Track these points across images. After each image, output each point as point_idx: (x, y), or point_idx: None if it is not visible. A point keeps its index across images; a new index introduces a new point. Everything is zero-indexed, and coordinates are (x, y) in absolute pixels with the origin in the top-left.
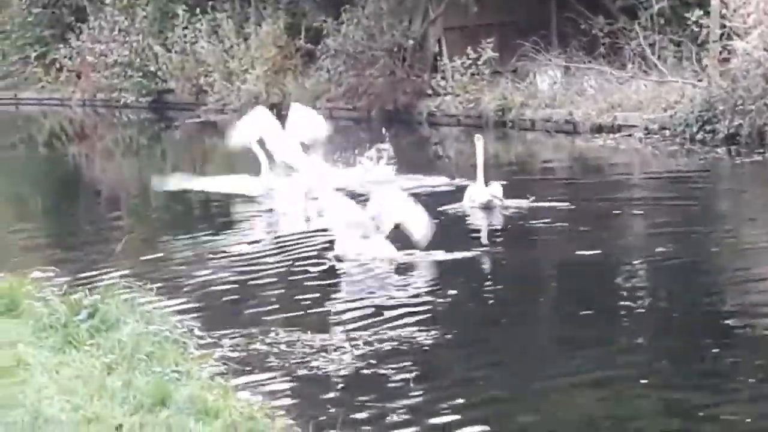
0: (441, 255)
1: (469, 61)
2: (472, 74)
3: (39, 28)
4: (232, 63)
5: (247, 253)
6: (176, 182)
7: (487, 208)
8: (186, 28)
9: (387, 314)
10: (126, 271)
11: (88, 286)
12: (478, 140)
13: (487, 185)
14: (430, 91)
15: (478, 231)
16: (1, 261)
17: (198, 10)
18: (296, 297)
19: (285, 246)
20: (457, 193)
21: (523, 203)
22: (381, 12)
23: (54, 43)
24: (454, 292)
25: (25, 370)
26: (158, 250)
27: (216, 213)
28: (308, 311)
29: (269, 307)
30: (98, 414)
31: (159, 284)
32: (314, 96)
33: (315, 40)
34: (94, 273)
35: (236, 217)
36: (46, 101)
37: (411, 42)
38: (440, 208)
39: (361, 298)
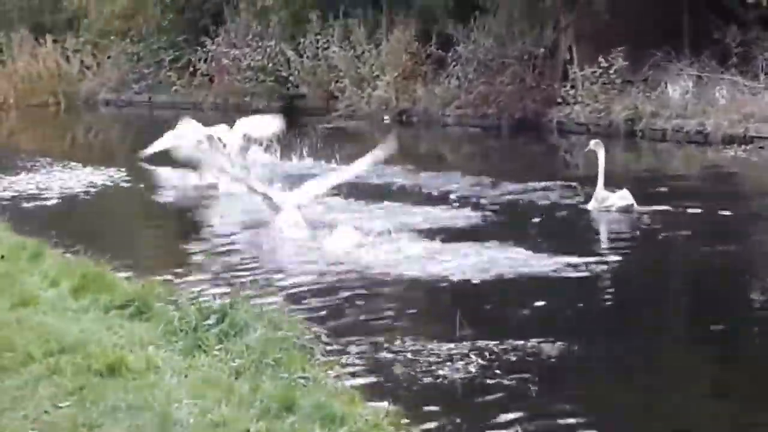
0: (570, 259)
1: (600, 70)
2: (603, 83)
3: (173, 32)
4: (363, 69)
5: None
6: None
7: (625, 212)
8: (318, 33)
9: (513, 323)
10: (251, 276)
11: (218, 290)
12: (597, 145)
13: (613, 191)
14: (559, 100)
15: (608, 236)
16: (134, 261)
17: (330, 16)
18: (421, 304)
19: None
20: (575, 197)
21: (652, 210)
22: (512, 19)
23: (188, 47)
24: (583, 300)
25: (155, 372)
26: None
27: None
28: (434, 318)
29: (394, 314)
30: (226, 418)
31: (286, 289)
32: (443, 103)
33: (445, 46)
34: (223, 276)
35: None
36: (180, 105)
37: (542, 50)
38: (562, 212)
39: (488, 307)
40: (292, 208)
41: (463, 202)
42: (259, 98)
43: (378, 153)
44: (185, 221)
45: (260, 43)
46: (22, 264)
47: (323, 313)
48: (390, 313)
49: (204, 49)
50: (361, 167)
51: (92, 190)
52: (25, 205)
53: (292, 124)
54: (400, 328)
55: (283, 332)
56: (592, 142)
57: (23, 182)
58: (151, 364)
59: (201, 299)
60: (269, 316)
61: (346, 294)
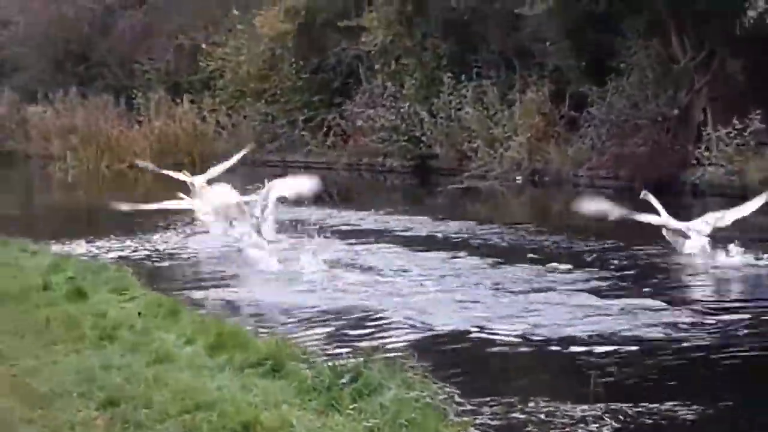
0: (702, 318)
1: (735, 132)
2: (738, 145)
3: (308, 93)
4: (495, 129)
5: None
6: None
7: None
8: (452, 94)
9: (649, 385)
10: (389, 339)
11: (351, 348)
12: (646, 195)
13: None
14: (693, 162)
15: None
16: (267, 319)
17: (463, 77)
18: (553, 364)
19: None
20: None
21: None
22: (646, 81)
23: (322, 107)
24: (718, 359)
25: (289, 431)
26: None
27: None
28: (566, 379)
29: (529, 374)
30: None
31: (418, 349)
32: (576, 164)
33: (578, 107)
34: (356, 333)
35: None
36: (313, 164)
37: (675, 111)
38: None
39: (620, 368)
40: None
41: (598, 262)
42: (392, 158)
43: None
44: (308, 279)
45: (394, 104)
46: (159, 321)
47: (456, 371)
48: (523, 372)
49: (338, 110)
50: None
51: (226, 249)
52: (162, 263)
53: (424, 184)
54: (533, 388)
55: (416, 392)
56: (643, 193)
57: (160, 241)
58: (286, 422)
59: (334, 357)
60: (402, 376)
61: (479, 353)
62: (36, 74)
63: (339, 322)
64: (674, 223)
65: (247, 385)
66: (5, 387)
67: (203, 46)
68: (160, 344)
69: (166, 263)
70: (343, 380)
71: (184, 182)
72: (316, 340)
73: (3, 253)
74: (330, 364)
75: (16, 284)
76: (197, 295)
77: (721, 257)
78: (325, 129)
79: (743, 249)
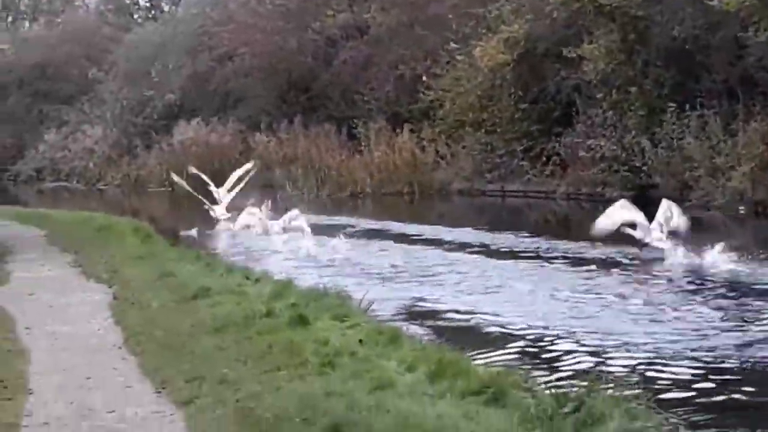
0: None
1: None
2: None
3: (527, 122)
4: (718, 159)
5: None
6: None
7: None
8: (674, 124)
9: None
10: (606, 360)
11: (573, 378)
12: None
13: None
14: None
15: None
16: (488, 348)
17: (687, 107)
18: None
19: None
20: None
21: None
22: None
23: (541, 137)
24: None
25: None
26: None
27: None
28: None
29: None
30: None
31: (642, 372)
32: None
33: None
34: (582, 362)
35: None
36: (531, 194)
37: None
38: None
39: None
40: None
41: None
42: (611, 188)
43: None
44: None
45: (614, 133)
46: (380, 349)
47: (673, 398)
48: (752, 407)
49: (557, 139)
50: None
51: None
52: (380, 287)
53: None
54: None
55: (640, 423)
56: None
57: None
58: None
59: (552, 385)
60: (626, 406)
61: (703, 378)
62: (260, 105)
63: (555, 348)
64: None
65: (468, 413)
66: (231, 412)
67: (423, 77)
68: (381, 371)
69: (385, 287)
70: (566, 409)
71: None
72: (533, 366)
73: (227, 281)
74: (552, 392)
75: (240, 311)
76: (415, 319)
77: None
78: (544, 158)
79: None
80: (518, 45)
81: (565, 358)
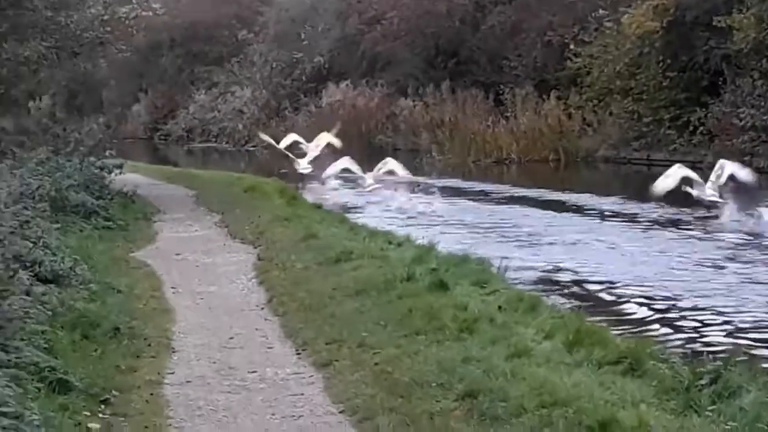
0: None
1: None
2: None
3: (674, 90)
4: None
5: None
6: None
7: None
8: None
9: None
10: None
11: (711, 349)
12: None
13: None
14: None
15: None
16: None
17: None
18: None
19: None
20: None
21: None
22: None
23: (688, 106)
24: None
25: (647, 431)
26: None
27: None
28: None
29: None
30: None
31: None
32: None
33: None
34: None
35: None
36: (677, 163)
37: None
38: None
39: None
40: None
41: None
42: (759, 158)
43: None
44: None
45: (764, 104)
46: (518, 316)
47: None
48: None
49: (704, 109)
50: None
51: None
52: (521, 253)
53: None
54: None
55: None
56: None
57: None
58: (643, 422)
59: (687, 357)
60: (764, 379)
61: None
62: (407, 69)
63: (692, 319)
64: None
65: (604, 383)
66: (368, 375)
67: (571, 43)
68: (519, 338)
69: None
70: (702, 381)
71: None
72: (671, 337)
73: (370, 244)
74: (689, 364)
75: (381, 275)
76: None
77: None
78: (691, 127)
79: None
80: (667, 12)
81: (702, 330)
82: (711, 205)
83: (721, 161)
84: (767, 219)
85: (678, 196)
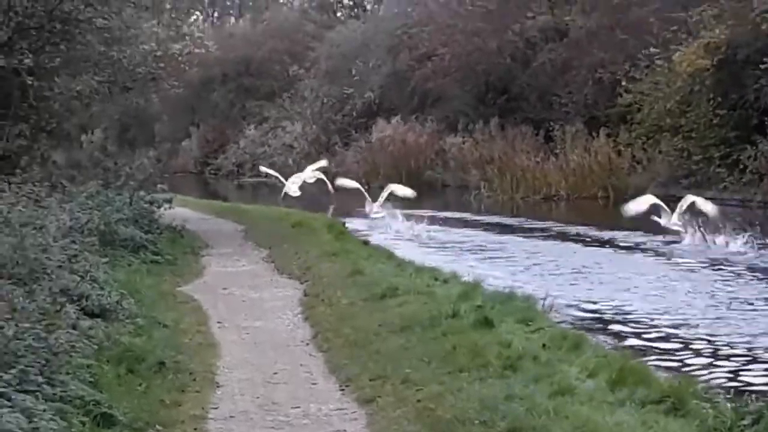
0: None
1: None
2: None
3: (724, 129)
4: None
5: None
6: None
7: None
8: None
9: None
10: None
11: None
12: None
13: None
14: None
15: None
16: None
17: None
18: None
19: None
20: None
21: None
22: None
23: (738, 144)
24: None
25: None
26: None
27: None
28: None
29: None
30: None
31: None
32: None
33: None
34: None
35: None
36: (727, 201)
37: None
38: None
39: None
40: None
41: None
42: None
43: None
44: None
45: None
46: (562, 354)
47: None
48: None
49: (755, 147)
50: None
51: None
52: (574, 295)
53: None
54: None
55: None
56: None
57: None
58: None
59: (736, 397)
60: None
61: None
62: (457, 106)
63: (737, 359)
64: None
65: (647, 422)
66: (411, 412)
67: (622, 80)
68: (562, 376)
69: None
70: (745, 421)
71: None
72: (713, 375)
73: (416, 281)
74: (732, 404)
75: (427, 311)
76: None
77: None
78: (741, 166)
79: None
80: (718, 51)
81: (744, 368)
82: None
83: (688, 195)
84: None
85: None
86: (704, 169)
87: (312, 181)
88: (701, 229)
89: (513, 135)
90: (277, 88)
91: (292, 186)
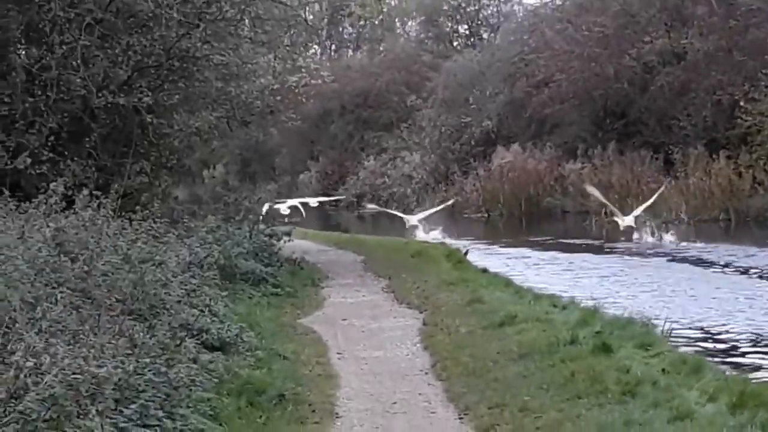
0: None
1: None
2: None
3: None
4: None
5: None
6: None
7: None
8: None
9: None
10: None
11: None
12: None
13: None
14: None
15: None
16: None
17: None
18: None
19: None
20: None
21: None
22: None
23: None
24: None
25: None
26: None
27: None
28: None
29: None
30: None
31: None
32: None
33: None
34: None
35: None
36: None
37: None
38: None
39: None
40: None
41: None
42: None
43: None
44: None
45: None
46: (681, 378)
47: None
48: None
49: None
50: None
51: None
52: (691, 317)
53: None
54: None
55: None
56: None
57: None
58: None
59: None
60: None
61: None
62: (575, 131)
63: None
64: None
65: None
66: None
67: (741, 102)
68: (682, 401)
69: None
70: None
71: None
72: None
73: (535, 308)
74: None
75: (545, 338)
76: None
77: None
78: None
79: None
80: None
81: None
82: None
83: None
84: None
85: None
86: None
87: (315, 204)
88: None
89: (631, 159)
90: (395, 118)
91: (283, 205)
